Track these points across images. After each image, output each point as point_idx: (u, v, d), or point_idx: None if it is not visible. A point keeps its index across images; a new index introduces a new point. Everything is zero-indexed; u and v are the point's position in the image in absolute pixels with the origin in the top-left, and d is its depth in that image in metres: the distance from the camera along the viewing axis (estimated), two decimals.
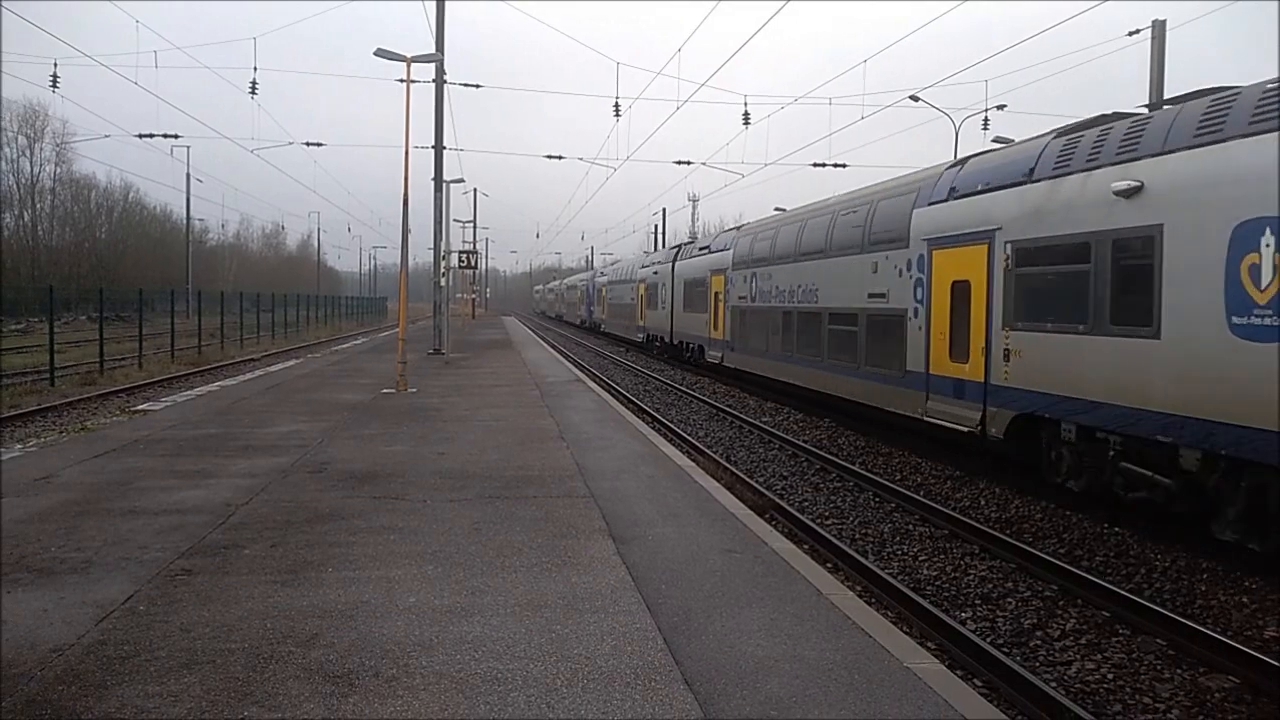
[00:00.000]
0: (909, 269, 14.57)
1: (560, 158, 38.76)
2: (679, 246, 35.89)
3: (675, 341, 33.45)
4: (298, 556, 6.67)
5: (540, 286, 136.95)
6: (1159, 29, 21.19)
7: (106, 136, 77.85)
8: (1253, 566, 8.60)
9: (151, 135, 35.51)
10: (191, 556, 6.66)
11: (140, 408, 16.63)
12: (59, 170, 70.39)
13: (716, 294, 26.84)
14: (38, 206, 68.85)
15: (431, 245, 29.81)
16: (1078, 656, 6.90)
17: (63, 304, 46.37)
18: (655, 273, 37.59)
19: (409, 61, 19.51)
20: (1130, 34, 22.03)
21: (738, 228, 27.29)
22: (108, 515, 7.85)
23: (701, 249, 30.53)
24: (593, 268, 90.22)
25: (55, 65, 32.60)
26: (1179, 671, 6.64)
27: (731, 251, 25.65)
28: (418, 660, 4.81)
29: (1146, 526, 10.00)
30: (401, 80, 19.72)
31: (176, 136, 37.06)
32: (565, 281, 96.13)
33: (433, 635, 5.16)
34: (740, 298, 24.21)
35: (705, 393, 24.40)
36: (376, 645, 5.00)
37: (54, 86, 30.38)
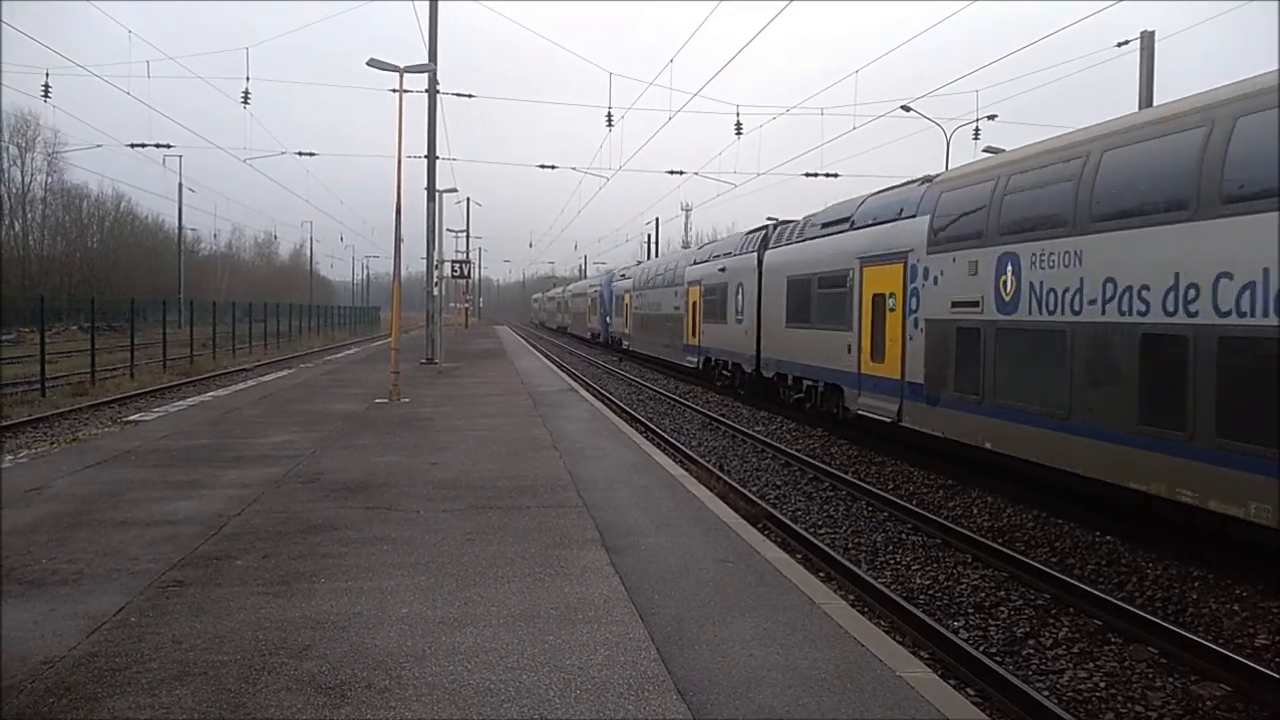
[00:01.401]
0: None
1: (553, 167, 38.62)
2: (763, 229, 23.88)
3: (769, 374, 21.82)
4: (290, 567, 6.65)
5: (539, 295, 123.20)
6: (1147, 40, 21.36)
7: (98, 146, 77.85)
8: (1245, 575, 8.64)
9: (144, 145, 35.38)
10: (183, 568, 6.63)
11: (132, 418, 16.58)
12: (50, 180, 70.20)
13: (879, 297, 15.57)
14: (29, 216, 68.68)
15: (425, 255, 29.82)
16: (1070, 665, 6.92)
17: (54, 314, 46.22)
18: (722, 269, 25.75)
19: (402, 72, 19.53)
20: (1119, 44, 22.20)
21: (925, 180, 15.08)
22: (99, 526, 7.82)
23: (829, 225, 18.61)
24: (585, 276, 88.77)
25: (47, 75, 32.49)
26: (1171, 680, 6.66)
27: (927, 219, 14.03)
28: (410, 671, 4.80)
29: (1137, 535, 10.03)
30: (394, 90, 19.77)
31: (169, 146, 36.91)
32: (571, 288, 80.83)
33: (425, 646, 5.15)
34: (960, 305, 12.94)
35: (698, 402, 24.42)
36: (369, 656, 4.99)
37: (46, 96, 30.29)
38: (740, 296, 23.98)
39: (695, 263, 29.88)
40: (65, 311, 51.86)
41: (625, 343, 43.82)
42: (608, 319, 51.31)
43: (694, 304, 29.03)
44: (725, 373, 26.02)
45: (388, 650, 5.08)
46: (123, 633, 5.33)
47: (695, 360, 28.93)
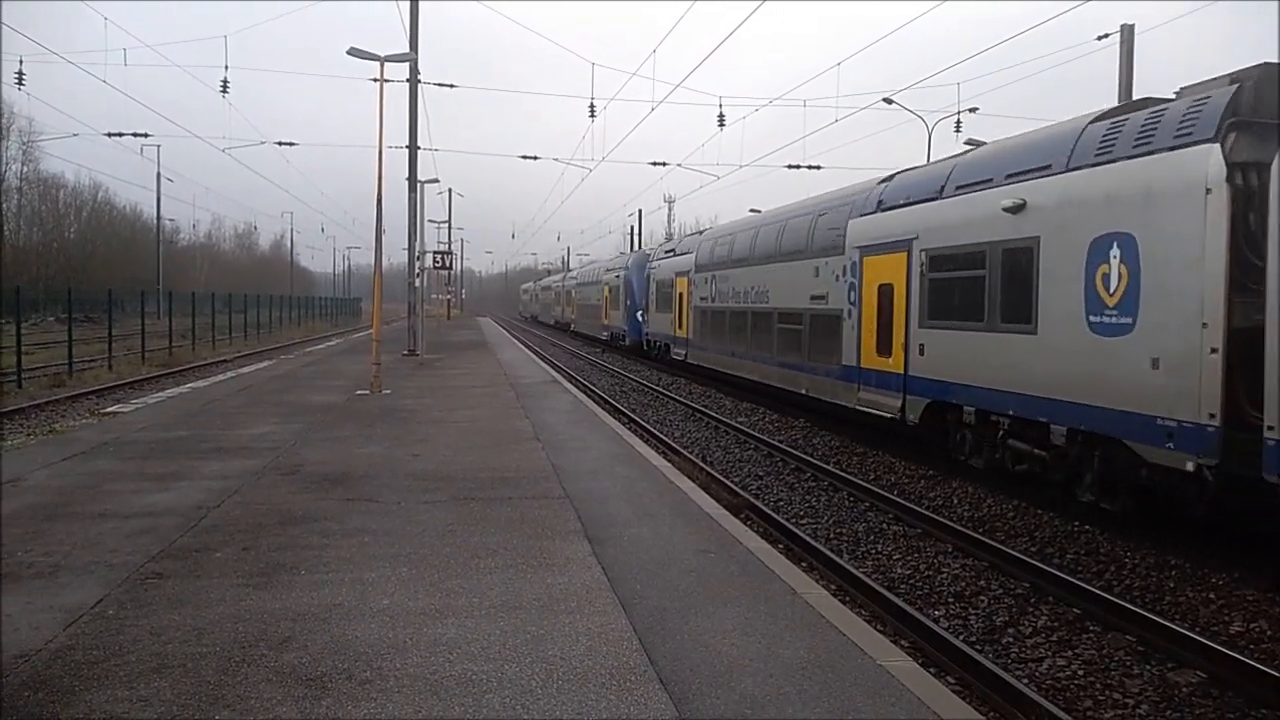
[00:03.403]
0: None
1: (536, 158, 38.70)
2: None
3: None
4: (270, 559, 6.61)
5: (530, 285, 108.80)
6: (1127, 33, 21.48)
7: (75, 135, 77.16)
8: (1220, 563, 8.74)
9: (121, 134, 35.10)
10: (162, 560, 6.58)
11: (110, 410, 16.42)
12: (26, 169, 69.37)
13: None
14: (4, 206, 67.75)
15: (406, 246, 29.66)
16: (1049, 653, 6.98)
17: (30, 305, 45.72)
18: (1117, 191, 9.80)
19: (382, 61, 19.39)
20: (1099, 38, 22.33)
21: None
22: (76, 519, 7.75)
23: None
24: (567, 268, 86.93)
25: (21, 62, 32.08)
26: (1148, 667, 6.73)
27: None
28: (391, 663, 4.78)
29: (1115, 525, 10.11)
30: (375, 80, 19.62)
31: (146, 135, 36.64)
32: (576, 274, 63.82)
33: (407, 637, 5.13)
34: None
35: (681, 393, 24.42)
36: (350, 648, 4.97)
37: (20, 83, 29.97)
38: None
39: (881, 206, 15.09)
40: (42, 302, 51.37)
41: (681, 352, 28.90)
42: (640, 315, 36.92)
43: (883, 290, 14.58)
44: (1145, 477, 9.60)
45: (368, 642, 5.06)
46: (100, 625, 5.28)
47: (894, 400, 14.21)
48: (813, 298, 17.79)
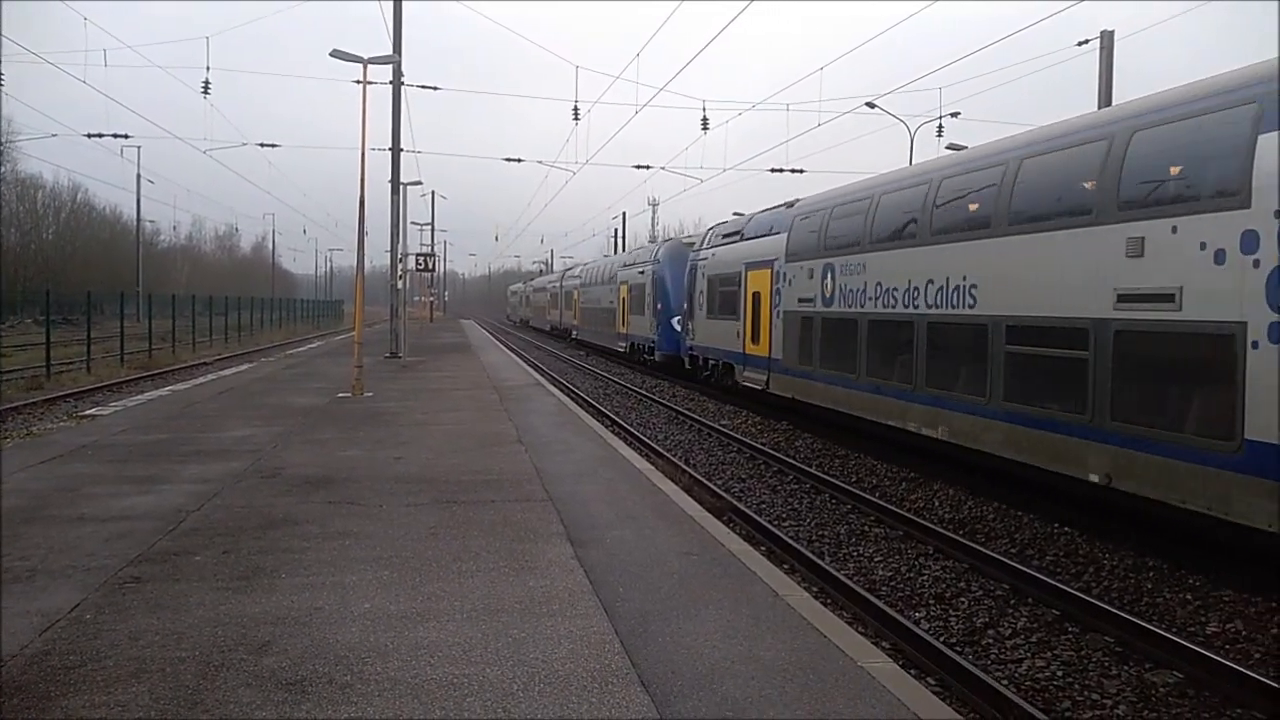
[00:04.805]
0: None
1: (519, 160, 38.52)
2: None
3: None
4: (250, 563, 6.57)
5: (520, 286, 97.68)
6: (1107, 39, 21.68)
7: (54, 136, 75.69)
8: (1197, 565, 8.82)
9: (101, 135, 34.76)
10: (141, 564, 6.53)
11: (88, 412, 16.28)
12: (3, 170, 68.51)
13: None
14: None
15: (389, 248, 29.56)
16: (1028, 654, 7.03)
17: (7, 307, 45.25)
18: None
19: (365, 63, 19.32)
20: (1079, 44, 22.53)
21: None
22: (54, 522, 7.67)
23: None
24: (551, 269, 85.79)
25: None
26: (1126, 668, 6.79)
27: None
28: (372, 666, 4.76)
29: (1095, 526, 10.20)
30: (358, 82, 19.55)
31: (127, 136, 36.33)
32: (577, 271, 52.50)
33: (388, 641, 5.11)
34: None
35: (665, 396, 24.45)
36: (330, 652, 4.95)
37: None
38: None
39: None
40: (19, 304, 50.86)
41: (758, 377, 20.02)
42: (678, 323, 28.09)
43: None
44: None
45: (349, 645, 5.04)
46: (78, 630, 5.24)
47: None
48: (1124, 299, 9.39)
